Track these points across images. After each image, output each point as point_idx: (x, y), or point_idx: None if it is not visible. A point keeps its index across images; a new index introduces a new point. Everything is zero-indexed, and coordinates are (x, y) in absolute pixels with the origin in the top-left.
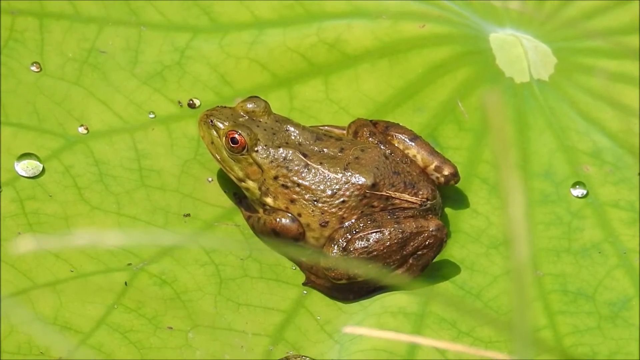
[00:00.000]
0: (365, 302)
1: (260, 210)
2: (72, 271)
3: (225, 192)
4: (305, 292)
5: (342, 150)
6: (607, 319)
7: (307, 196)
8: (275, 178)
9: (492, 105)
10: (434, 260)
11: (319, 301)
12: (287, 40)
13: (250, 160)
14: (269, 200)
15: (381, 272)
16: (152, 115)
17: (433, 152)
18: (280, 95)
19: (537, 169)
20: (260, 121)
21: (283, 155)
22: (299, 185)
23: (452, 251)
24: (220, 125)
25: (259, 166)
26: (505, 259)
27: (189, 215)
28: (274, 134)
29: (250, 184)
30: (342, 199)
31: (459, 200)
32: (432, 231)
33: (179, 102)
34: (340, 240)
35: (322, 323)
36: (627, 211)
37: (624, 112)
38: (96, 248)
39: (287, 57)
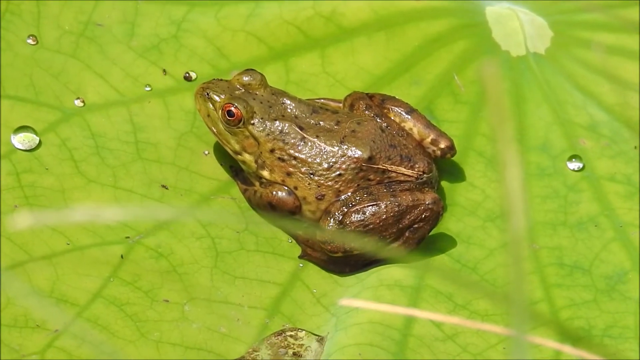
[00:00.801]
0: (361, 275)
1: (257, 184)
2: (68, 244)
3: (221, 165)
4: (301, 265)
5: (338, 123)
6: (604, 292)
7: (303, 169)
8: (272, 151)
9: (490, 76)
10: (430, 233)
11: (315, 274)
12: (284, 13)
13: (247, 133)
14: (265, 173)
15: (377, 245)
16: (148, 88)
17: (429, 125)
18: (276, 68)
19: (533, 142)
20: (256, 94)
21: (279, 128)
22: (295, 158)
23: (449, 224)
24: (217, 98)
25: (255, 139)
26: (502, 232)
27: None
28: (270, 106)
29: (247, 157)
30: (338, 172)
31: (455, 173)
32: (428, 204)
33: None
34: (337, 214)
35: (318, 296)
36: (624, 184)
37: (621, 86)
38: (92, 221)
39: (284, 30)
